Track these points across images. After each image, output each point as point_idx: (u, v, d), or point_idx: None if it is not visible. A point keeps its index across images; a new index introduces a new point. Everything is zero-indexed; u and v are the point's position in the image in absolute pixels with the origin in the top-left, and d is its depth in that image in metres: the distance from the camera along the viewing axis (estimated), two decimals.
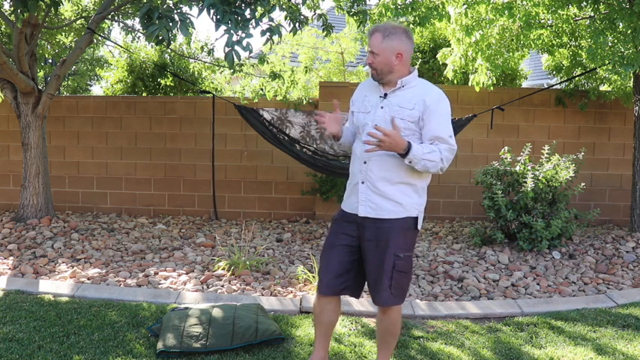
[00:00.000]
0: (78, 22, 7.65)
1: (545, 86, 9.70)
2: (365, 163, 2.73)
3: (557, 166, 5.55)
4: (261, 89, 7.11)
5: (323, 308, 2.86)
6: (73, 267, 4.89)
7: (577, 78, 6.82)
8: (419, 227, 2.77)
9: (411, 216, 2.72)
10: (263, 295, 4.34)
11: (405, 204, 2.71)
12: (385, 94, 2.75)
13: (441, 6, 5.76)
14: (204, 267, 5.03)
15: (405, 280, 2.75)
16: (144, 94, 8.16)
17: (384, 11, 5.75)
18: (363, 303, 4.04)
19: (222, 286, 4.50)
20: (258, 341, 3.30)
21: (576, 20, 6.18)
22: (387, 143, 2.55)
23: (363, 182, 2.73)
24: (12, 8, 5.94)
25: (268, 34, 4.29)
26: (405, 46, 2.70)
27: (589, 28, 5.69)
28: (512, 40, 6.21)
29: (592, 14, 5.90)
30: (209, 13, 3.81)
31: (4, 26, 7.29)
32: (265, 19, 4.27)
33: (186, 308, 3.60)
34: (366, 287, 2.87)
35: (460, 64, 6.39)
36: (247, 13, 4.04)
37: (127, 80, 8.28)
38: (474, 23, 5.92)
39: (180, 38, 8.07)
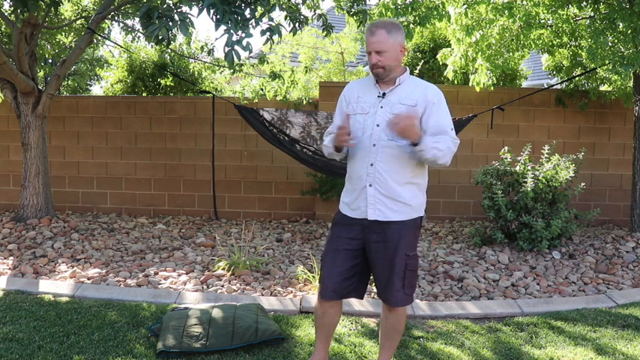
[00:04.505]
0: (78, 22, 7.65)
1: (545, 86, 9.70)
2: (372, 165, 2.66)
3: (557, 166, 5.55)
4: (261, 89, 7.11)
5: (325, 312, 2.85)
6: (73, 267, 4.89)
7: (577, 78, 6.82)
8: (424, 223, 2.79)
9: (419, 216, 2.74)
10: (263, 295, 4.34)
11: (414, 205, 2.71)
12: (384, 94, 2.70)
13: (441, 6, 5.75)
14: (204, 267, 5.03)
15: (415, 278, 2.76)
16: (144, 94, 8.16)
17: (384, 11, 5.74)
18: (363, 303, 4.04)
19: (222, 286, 4.50)
20: (258, 341, 3.29)
21: (576, 20, 6.18)
22: (407, 126, 2.51)
23: (370, 185, 2.67)
24: (12, 8, 5.94)
25: (268, 34, 4.29)
26: (404, 39, 2.70)
27: (589, 28, 5.69)
28: (512, 40, 6.21)
29: (592, 14, 5.90)
30: (209, 13, 3.81)
31: (4, 26, 7.29)
32: (265, 19, 4.28)
33: (186, 308, 3.60)
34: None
35: (460, 65, 6.38)
36: (247, 12, 4.04)
37: (126, 80, 8.28)
38: (474, 23, 5.92)
39: (180, 38, 8.07)
